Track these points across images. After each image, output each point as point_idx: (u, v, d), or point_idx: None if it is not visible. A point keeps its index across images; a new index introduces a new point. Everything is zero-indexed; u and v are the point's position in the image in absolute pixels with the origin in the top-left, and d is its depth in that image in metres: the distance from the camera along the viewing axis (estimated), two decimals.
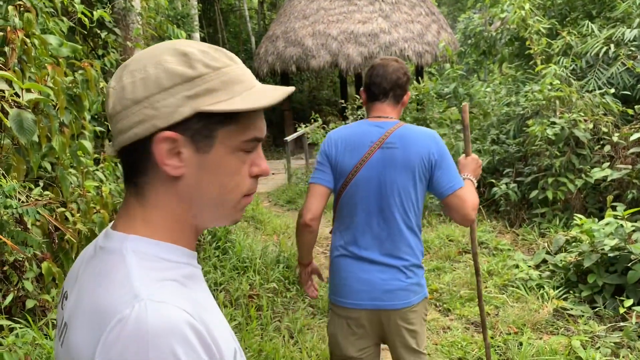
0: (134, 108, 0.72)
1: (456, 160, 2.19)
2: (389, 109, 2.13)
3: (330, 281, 2.21)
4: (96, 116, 5.09)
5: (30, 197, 2.39)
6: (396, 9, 13.34)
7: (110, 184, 4.08)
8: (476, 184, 2.19)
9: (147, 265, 0.71)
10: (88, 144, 3.25)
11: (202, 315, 0.70)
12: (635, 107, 5.67)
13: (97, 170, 3.87)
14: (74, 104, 2.95)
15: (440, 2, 24.14)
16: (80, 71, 3.04)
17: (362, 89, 2.21)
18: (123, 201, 0.80)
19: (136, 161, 0.76)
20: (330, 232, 2.26)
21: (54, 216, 2.73)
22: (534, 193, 5.71)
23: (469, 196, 2.05)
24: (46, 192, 2.85)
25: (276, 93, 0.76)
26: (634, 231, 3.93)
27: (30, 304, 2.75)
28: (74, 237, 2.69)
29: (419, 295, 2.12)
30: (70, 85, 2.99)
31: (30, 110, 2.57)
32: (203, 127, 0.73)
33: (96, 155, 4.17)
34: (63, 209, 2.92)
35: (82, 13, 3.62)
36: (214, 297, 4.08)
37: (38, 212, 2.19)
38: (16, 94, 2.49)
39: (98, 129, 4.58)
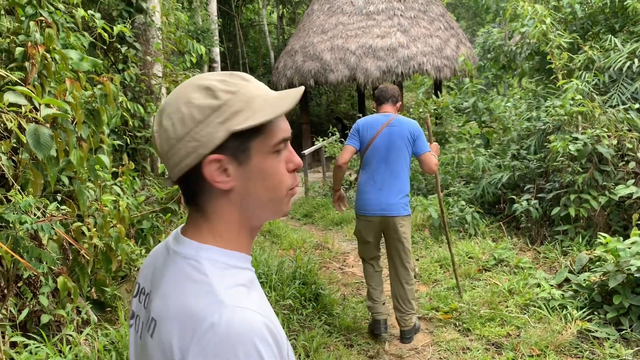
0: (179, 144, 0.85)
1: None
2: (389, 107, 3.86)
3: (356, 201, 3.88)
4: (116, 129, 5.13)
5: (46, 212, 2.38)
6: (415, 23, 13.32)
7: (128, 198, 4.09)
8: (436, 158, 3.85)
9: (221, 273, 0.84)
10: (106, 158, 3.25)
11: (270, 316, 0.83)
12: None
13: (115, 184, 3.88)
14: (92, 119, 2.95)
15: (459, 17, 24.11)
16: (99, 86, 3.05)
17: (373, 100, 4.00)
18: (188, 216, 0.93)
19: (193, 186, 0.88)
20: (356, 177, 4.34)
21: (69, 232, 2.72)
22: (555, 210, 5.58)
23: (432, 158, 3.76)
24: (63, 207, 2.85)
25: (288, 99, 0.87)
26: None
27: (45, 319, 2.74)
28: (88, 254, 2.67)
29: (406, 211, 3.76)
30: (89, 99, 3.00)
31: (48, 125, 2.58)
32: (239, 144, 0.85)
33: (114, 169, 4.19)
34: (79, 224, 2.91)
35: (103, 28, 3.65)
36: None
37: (53, 228, 2.18)
38: (35, 109, 2.50)
39: (117, 142, 4.61)
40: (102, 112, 3.07)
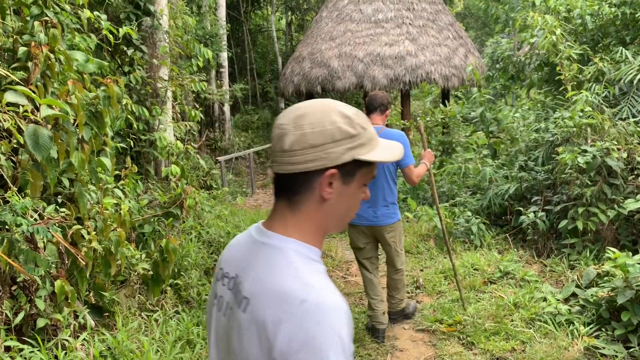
0: (310, 150, 1.01)
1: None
2: (378, 118, 3.95)
3: None
4: (120, 132, 5.10)
5: (43, 215, 2.33)
6: (423, 32, 13.28)
7: (129, 202, 4.05)
8: (429, 165, 4.09)
9: (303, 262, 1.01)
10: (108, 161, 3.21)
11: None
12: None
13: (117, 187, 3.83)
14: (94, 120, 2.91)
15: (467, 27, 24.08)
16: (102, 87, 3.01)
17: (364, 108, 4.00)
18: (274, 209, 1.10)
19: (296, 185, 1.05)
20: None
21: (67, 235, 2.67)
22: (563, 223, 5.49)
23: (414, 170, 3.88)
24: (62, 209, 2.80)
25: (394, 153, 1.11)
26: None
27: (41, 322, 2.69)
28: (84, 259, 2.62)
29: (394, 219, 3.99)
30: (93, 101, 2.96)
31: (50, 126, 2.54)
32: (352, 168, 1.06)
33: (117, 172, 4.15)
34: (79, 227, 2.87)
35: (109, 30, 3.63)
36: None
37: (49, 231, 2.13)
38: (37, 109, 2.47)
39: (120, 145, 4.58)
40: (105, 114, 3.03)
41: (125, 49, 5.00)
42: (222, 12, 13.83)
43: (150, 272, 3.75)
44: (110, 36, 3.65)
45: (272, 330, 0.93)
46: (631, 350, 3.61)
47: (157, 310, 3.76)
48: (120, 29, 4.03)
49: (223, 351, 1.09)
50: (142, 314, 3.67)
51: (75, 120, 2.73)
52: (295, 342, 0.90)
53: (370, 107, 3.99)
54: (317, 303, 0.92)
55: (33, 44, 2.73)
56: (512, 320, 4.23)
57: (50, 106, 2.40)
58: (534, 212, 5.94)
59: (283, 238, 1.05)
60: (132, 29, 4.35)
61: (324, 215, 1.08)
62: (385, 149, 1.10)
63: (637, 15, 7.04)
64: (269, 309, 0.95)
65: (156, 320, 3.60)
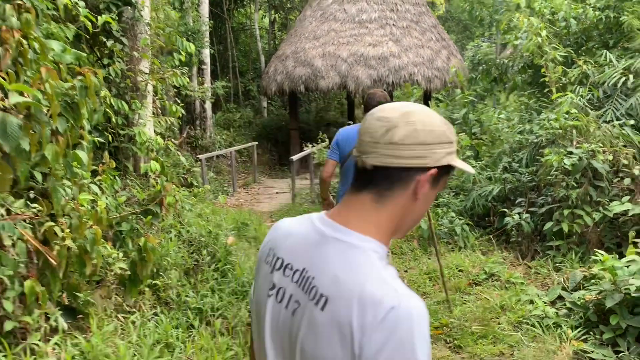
0: (420, 147, 1.02)
1: None
2: None
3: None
4: (98, 126, 4.90)
5: (11, 210, 2.17)
6: (407, 33, 13.26)
7: (107, 198, 3.88)
8: None
9: (382, 264, 0.99)
10: (84, 155, 3.04)
11: None
12: None
13: (94, 183, 3.66)
14: (70, 112, 2.75)
15: (449, 30, 24.17)
16: (79, 77, 2.85)
17: (362, 106, 3.96)
18: (350, 202, 1.06)
19: (390, 178, 1.03)
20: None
21: (37, 232, 2.51)
22: (548, 225, 5.47)
23: None
24: (34, 205, 2.64)
25: (469, 167, 1.13)
26: None
27: (8, 325, 2.52)
28: (55, 259, 2.46)
29: None
30: (68, 91, 2.80)
31: (21, 115, 2.38)
32: (441, 173, 1.06)
33: (94, 167, 3.97)
34: (51, 224, 2.70)
35: (87, 18, 3.46)
36: (210, 324, 3.83)
37: (16, 228, 1.97)
38: (6, 97, 2.30)
39: (98, 139, 4.40)
40: (81, 105, 2.87)
41: (104, 40, 4.82)
42: (205, 8, 13.63)
43: (128, 272, 3.59)
44: (89, 24, 3.49)
45: (359, 335, 0.92)
46: (620, 354, 3.56)
47: (135, 312, 3.60)
48: (99, 17, 3.86)
49: (284, 345, 1.04)
50: (119, 315, 3.50)
51: (49, 110, 2.57)
52: (387, 348, 0.90)
53: (368, 105, 3.84)
54: (408, 310, 0.92)
55: (4, 28, 2.56)
56: (499, 323, 4.16)
57: (21, 93, 2.24)
58: (519, 213, 5.91)
59: (362, 237, 1.02)
60: (112, 17, 4.18)
61: (407, 214, 1.07)
62: (462, 161, 1.12)
63: (620, 19, 7.08)
64: (355, 312, 0.93)
65: (133, 323, 3.44)
